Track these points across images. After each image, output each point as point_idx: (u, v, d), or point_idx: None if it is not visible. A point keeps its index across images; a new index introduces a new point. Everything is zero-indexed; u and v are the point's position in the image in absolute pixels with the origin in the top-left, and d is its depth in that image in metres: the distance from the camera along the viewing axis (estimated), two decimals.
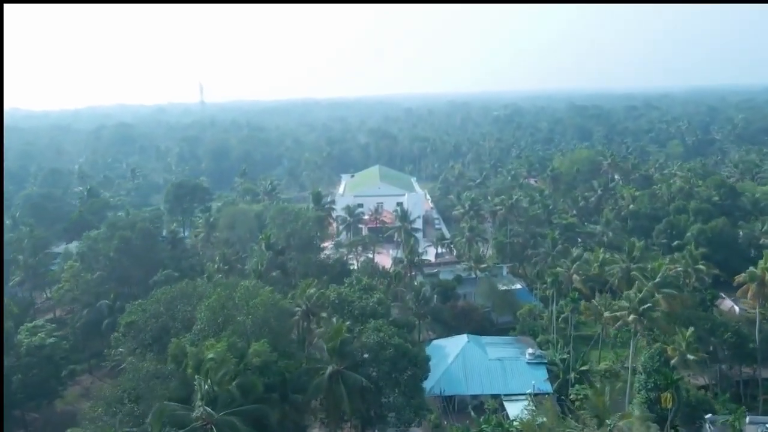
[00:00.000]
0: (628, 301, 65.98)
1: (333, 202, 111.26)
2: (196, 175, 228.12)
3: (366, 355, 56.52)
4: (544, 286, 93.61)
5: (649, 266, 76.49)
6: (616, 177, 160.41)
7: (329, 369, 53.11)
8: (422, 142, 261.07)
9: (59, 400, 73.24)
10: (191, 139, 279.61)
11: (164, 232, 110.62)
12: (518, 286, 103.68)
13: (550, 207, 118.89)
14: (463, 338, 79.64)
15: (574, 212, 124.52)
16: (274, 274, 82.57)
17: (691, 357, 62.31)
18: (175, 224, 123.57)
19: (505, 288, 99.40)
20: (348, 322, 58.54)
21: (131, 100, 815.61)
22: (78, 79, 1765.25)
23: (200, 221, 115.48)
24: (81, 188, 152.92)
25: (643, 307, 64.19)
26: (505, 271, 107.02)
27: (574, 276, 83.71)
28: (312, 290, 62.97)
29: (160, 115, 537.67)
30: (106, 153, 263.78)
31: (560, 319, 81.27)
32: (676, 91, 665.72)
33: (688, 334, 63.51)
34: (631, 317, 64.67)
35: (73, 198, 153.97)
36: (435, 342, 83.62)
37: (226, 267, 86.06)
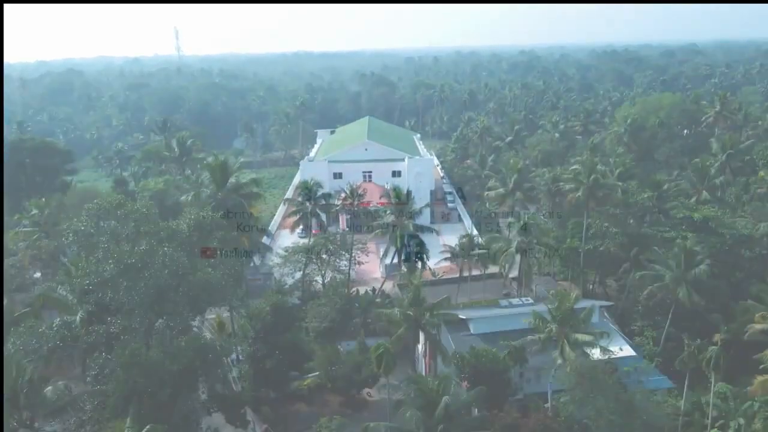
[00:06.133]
0: None
1: (256, 182, 55.45)
2: (133, 132, 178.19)
3: None
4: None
5: None
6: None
7: None
8: (428, 89, 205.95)
9: None
10: (140, 87, 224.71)
11: None
12: (629, 349, 52.71)
13: (665, 187, 66.28)
14: None
15: (706, 195, 70.96)
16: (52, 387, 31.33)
17: None
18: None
19: (605, 356, 48.27)
20: None
21: (116, 53, 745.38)
22: (65, 31, 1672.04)
23: (33, 213, 63.69)
24: None
25: None
26: (596, 316, 55.43)
27: None
28: None
29: (132, 65, 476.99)
30: (31, 104, 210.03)
31: None
32: (700, 41, 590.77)
33: None
34: None
35: None
36: None
37: None
